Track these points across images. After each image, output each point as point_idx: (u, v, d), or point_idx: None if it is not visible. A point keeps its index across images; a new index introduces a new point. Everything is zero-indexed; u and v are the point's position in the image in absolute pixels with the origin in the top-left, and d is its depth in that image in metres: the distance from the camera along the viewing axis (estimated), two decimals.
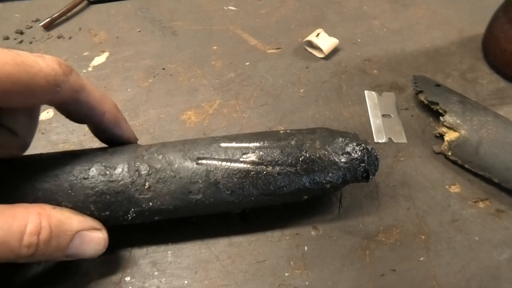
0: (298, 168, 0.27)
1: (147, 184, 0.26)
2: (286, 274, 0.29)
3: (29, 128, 0.27)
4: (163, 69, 0.41)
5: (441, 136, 0.36)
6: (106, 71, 0.41)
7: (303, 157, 0.27)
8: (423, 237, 0.31)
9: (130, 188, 0.26)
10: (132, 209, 0.27)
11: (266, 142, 0.28)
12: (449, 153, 0.34)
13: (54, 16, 0.44)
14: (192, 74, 0.40)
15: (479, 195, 0.33)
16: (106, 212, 0.27)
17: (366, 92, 0.39)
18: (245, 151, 0.28)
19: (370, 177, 0.28)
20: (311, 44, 0.42)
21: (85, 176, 0.26)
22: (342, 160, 0.28)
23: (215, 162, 0.27)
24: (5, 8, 0.46)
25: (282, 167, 0.27)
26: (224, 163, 0.27)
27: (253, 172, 0.27)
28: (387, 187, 0.33)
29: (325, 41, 0.41)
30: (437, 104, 0.36)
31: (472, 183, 0.34)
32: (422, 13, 0.47)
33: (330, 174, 0.27)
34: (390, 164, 0.35)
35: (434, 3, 0.48)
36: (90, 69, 0.41)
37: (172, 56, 0.42)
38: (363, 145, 0.28)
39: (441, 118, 0.35)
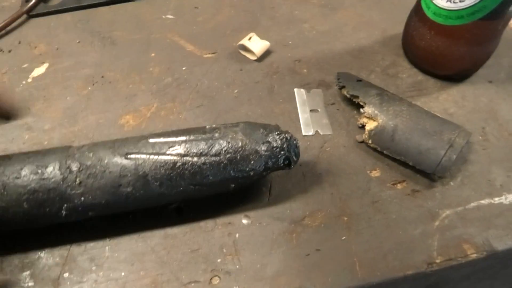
0: (222, 157, 0.29)
1: (78, 180, 0.28)
2: (219, 260, 0.31)
3: None
4: (102, 77, 0.42)
5: (363, 127, 0.39)
6: (46, 81, 0.42)
7: (226, 147, 0.30)
8: (345, 218, 0.34)
9: (62, 185, 0.28)
10: (65, 205, 0.28)
11: (191, 135, 0.30)
12: (370, 141, 0.37)
13: None
14: (131, 80, 0.42)
15: (397, 178, 0.36)
16: (40, 210, 0.28)
17: (295, 90, 0.42)
18: (171, 144, 0.30)
19: (292, 164, 0.31)
20: (244, 48, 0.45)
21: (17, 176, 0.28)
22: (263, 148, 0.30)
23: (143, 156, 0.29)
24: None
25: (206, 157, 0.29)
26: (151, 157, 0.29)
27: (179, 163, 0.29)
28: (313, 176, 0.36)
29: (257, 44, 0.44)
30: (358, 97, 0.39)
31: (390, 167, 0.37)
32: (349, 16, 0.50)
33: (252, 162, 0.30)
34: (317, 154, 0.37)
35: (360, 7, 0.51)
36: (29, 80, 0.42)
37: (111, 64, 0.44)
38: (282, 134, 0.31)
39: (361, 109, 0.38)
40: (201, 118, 0.39)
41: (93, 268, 0.31)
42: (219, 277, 0.31)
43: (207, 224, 0.33)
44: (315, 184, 0.36)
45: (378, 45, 0.47)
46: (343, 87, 0.40)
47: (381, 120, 0.37)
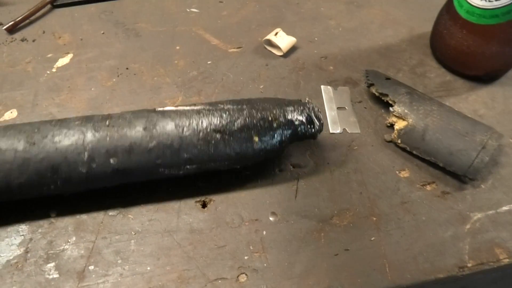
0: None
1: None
2: (246, 257, 0.31)
3: None
4: (127, 68, 0.42)
5: (391, 126, 0.38)
6: (70, 71, 0.41)
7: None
8: (374, 218, 0.33)
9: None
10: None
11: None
12: (399, 141, 0.37)
13: (17, 19, 0.44)
14: (156, 73, 0.42)
15: (426, 179, 0.35)
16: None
17: (322, 86, 0.41)
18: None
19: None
20: (270, 43, 0.44)
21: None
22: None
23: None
24: None
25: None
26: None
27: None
28: (341, 174, 0.35)
29: (283, 40, 0.43)
30: (387, 95, 0.38)
31: (419, 168, 0.36)
32: (375, 14, 0.49)
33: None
34: (345, 152, 0.37)
35: (387, 4, 0.50)
36: (54, 70, 0.42)
37: (135, 56, 0.43)
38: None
39: (390, 108, 0.38)
40: None
41: (119, 261, 0.30)
42: (246, 274, 0.30)
43: (233, 220, 0.32)
44: (343, 183, 0.35)
45: (405, 44, 0.46)
46: (372, 85, 0.39)
47: (411, 120, 0.36)
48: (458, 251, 0.31)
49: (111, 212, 0.33)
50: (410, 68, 0.44)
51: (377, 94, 0.39)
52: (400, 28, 0.48)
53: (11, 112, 0.38)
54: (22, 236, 0.31)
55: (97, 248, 0.31)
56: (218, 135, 0.30)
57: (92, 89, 0.40)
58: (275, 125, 0.31)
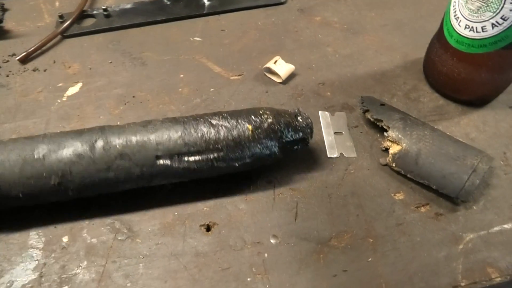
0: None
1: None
2: (249, 279, 0.32)
3: None
4: (134, 97, 0.44)
5: (386, 150, 0.40)
6: (80, 100, 0.44)
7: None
8: (371, 240, 0.34)
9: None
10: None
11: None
12: (393, 165, 0.38)
13: (29, 50, 0.47)
14: (161, 100, 0.44)
15: (420, 201, 0.37)
16: None
17: (320, 112, 0.43)
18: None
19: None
20: (270, 71, 0.46)
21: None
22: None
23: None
24: None
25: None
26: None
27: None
28: (338, 197, 0.37)
29: (282, 67, 0.46)
30: (381, 121, 0.40)
31: (414, 190, 0.38)
32: (370, 40, 0.51)
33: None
34: (342, 176, 0.39)
35: (382, 31, 0.53)
36: (64, 99, 0.44)
37: (142, 84, 0.45)
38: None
39: (385, 133, 0.39)
40: None
41: (128, 284, 0.32)
42: None
43: (236, 243, 0.34)
44: (340, 206, 0.37)
45: (399, 69, 0.48)
46: (367, 110, 0.41)
47: (404, 144, 0.38)
48: (452, 270, 0.33)
49: (120, 237, 0.34)
50: (404, 93, 0.46)
51: (372, 119, 0.41)
52: (395, 54, 0.50)
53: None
54: (36, 261, 0.33)
55: (107, 272, 0.32)
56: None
57: (101, 117, 0.42)
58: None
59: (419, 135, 0.39)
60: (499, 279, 0.33)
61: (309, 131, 0.36)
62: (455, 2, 0.40)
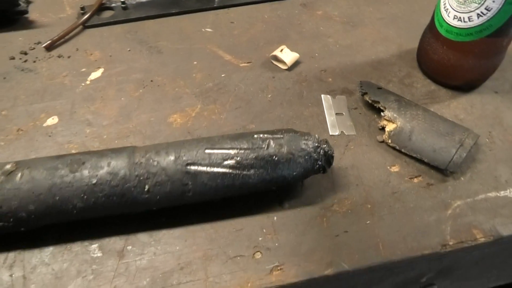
0: (269, 170, 0.34)
1: (146, 187, 0.33)
2: (260, 238, 0.36)
3: None
4: (151, 81, 0.48)
5: (383, 128, 0.44)
6: (102, 84, 0.47)
7: (273, 161, 0.34)
8: (369, 206, 0.38)
9: (133, 192, 0.33)
10: (135, 206, 0.34)
11: (242, 147, 0.34)
12: (389, 141, 0.42)
13: (54, 39, 0.51)
14: (176, 85, 0.48)
15: (414, 173, 0.41)
16: (114, 210, 0.34)
17: (322, 95, 0.47)
18: (225, 157, 0.34)
19: (327, 170, 0.36)
20: (276, 58, 0.50)
21: (94, 182, 0.32)
22: (304, 159, 0.35)
23: (202, 168, 0.34)
24: (10, 33, 0.52)
25: (255, 170, 0.34)
26: (209, 169, 0.34)
27: (232, 175, 0.34)
28: (340, 169, 0.41)
29: (288, 55, 0.50)
30: (378, 102, 0.44)
31: (408, 163, 0.42)
32: (368, 32, 0.56)
33: (294, 173, 0.35)
34: (343, 151, 0.42)
35: (378, 24, 0.57)
36: (88, 82, 0.47)
37: (158, 70, 0.49)
38: (321, 146, 0.36)
39: (381, 113, 0.43)
40: (239, 118, 0.45)
41: (152, 242, 0.36)
42: (260, 252, 0.35)
43: (249, 209, 0.38)
44: (341, 177, 0.40)
45: (394, 58, 0.52)
46: (365, 93, 0.45)
47: (399, 123, 0.42)
48: (441, 232, 0.37)
49: None
50: (399, 79, 0.50)
51: (370, 101, 0.45)
52: (390, 44, 0.54)
53: (53, 119, 0.44)
54: None
55: (133, 232, 0.36)
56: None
57: (122, 98, 0.46)
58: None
59: (412, 114, 0.43)
60: (483, 239, 0.37)
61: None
62: None
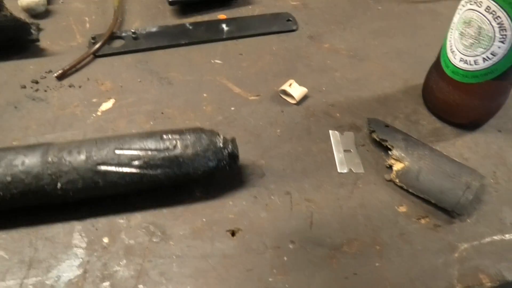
0: (175, 169, 0.37)
1: (59, 184, 0.36)
2: (270, 279, 0.36)
3: None
4: (162, 113, 0.48)
5: (390, 167, 0.45)
6: (113, 115, 0.48)
7: (179, 161, 0.37)
8: (378, 247, 0.39)
9: (46, 188, 0.36)
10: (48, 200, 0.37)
11: (151, 149, 0.37)
12: (397, 180, 0.43)
13: (65, 68, 0.51)
14: (187, 117, 0.48)
15: (421, 214, 0.42)
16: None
17: (330, 131, 0.48)
18: (134, 157, 0.37)
19: (233, 167, 0.40)
20: (285, 92, 0.51)
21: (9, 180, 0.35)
22: (208, 159, 0.38)
23: (111, 168, 0.36)
24: (21, 61, 0.53)
25: (162, 169, 0.37)
26: (118, 168, 0.36)
27: (140, 174, 0.37)
28: (349, 209, 0.42)
29: (296, 90, 0.50)
30: (386, 141, 0.45)
31: (415, 204, 0.42)
32: (374, 67, 0.57)
33: (199, 172, 0.38)
34: (351, 189, 0.43)
35: (384, 59, 0.58)
36: (99, 113, 0.48)
37: (169, 102, 0.50)
38: (226, 147, 0.39)
39: (389, 152, 0.44)
40: (249, 153, 0.45)
41: (163, 281, 0.36)
42: None
43: (259, 248, 0.38)
44: (350, 216, 0.41)
45: (401, 94, 0.53)
46: (373, 131, 0.46)
47: (407, 162, 0.43)
48: (449, 276, 0.37)
49: (154, 239, 0.38)
50: (405, 115, 0.51)
51: (377, 139, 0.46)
52: (396, 80, 0.55)
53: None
54: (81, 259, 0.37)
55: (144, 270, 0.36)
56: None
57: (133, 131, 0.46)
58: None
59: (419, 154, 0.44)
60: (490, 284, 0.37)
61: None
62: (451, 38, 0.45)
